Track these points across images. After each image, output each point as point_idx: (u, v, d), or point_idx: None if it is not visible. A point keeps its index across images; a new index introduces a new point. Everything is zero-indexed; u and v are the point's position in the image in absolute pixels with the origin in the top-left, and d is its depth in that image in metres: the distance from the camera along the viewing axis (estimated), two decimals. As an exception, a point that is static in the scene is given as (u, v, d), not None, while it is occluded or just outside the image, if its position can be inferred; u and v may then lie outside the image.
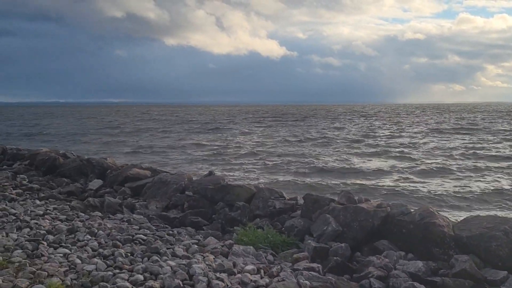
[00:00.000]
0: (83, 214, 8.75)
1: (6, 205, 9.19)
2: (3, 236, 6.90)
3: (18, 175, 13.21)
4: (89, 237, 6.93)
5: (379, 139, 34.22)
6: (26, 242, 6.44)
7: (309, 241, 7.07)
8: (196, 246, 6.68)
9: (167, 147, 30.95)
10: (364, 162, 22.64)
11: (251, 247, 6.86)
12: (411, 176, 18.41)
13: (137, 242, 6.70)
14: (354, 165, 21.45)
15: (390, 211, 7.23)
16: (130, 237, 6.82)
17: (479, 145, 28.97)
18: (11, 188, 10.37)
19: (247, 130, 46.41)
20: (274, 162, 22.55)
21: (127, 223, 8.08)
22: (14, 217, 7.93)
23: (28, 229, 7.32)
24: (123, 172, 12.17)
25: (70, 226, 7.41)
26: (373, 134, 39.65)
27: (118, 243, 6.54)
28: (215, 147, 29.80)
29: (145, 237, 6.85)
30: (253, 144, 31.51)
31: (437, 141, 32.66)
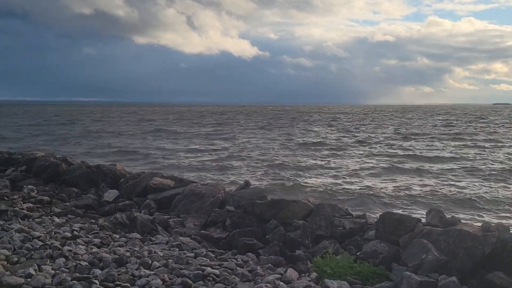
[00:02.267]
0: (117, 236, 7.39)
1: (19, 223, 7.72)
2: (36, 270, 5.51)
3: (16, 184, 11.63)
4: (145, 271, 5.60)
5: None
6: (73, 281, 5.08)
7: (407, 272, 5.94)
8: (283, 284, 5.46)
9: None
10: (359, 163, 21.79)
11: (345, 282, 5.70)
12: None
13: (210, 279, 5.42)
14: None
15: (500, 235, 6.19)
16: (200, 272, 5.52)
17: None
18: (21, 202, 8.83)
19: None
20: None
21: (177, 249, 6.76)
22: (40, 242, 6.50)
23: (63, 259, 5.94)
24: (142, 181, 10.76)
25: (117, 256, 6.05)
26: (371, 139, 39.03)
27: (189, 281, 5.25)
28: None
29: (217, 272, 5.57)
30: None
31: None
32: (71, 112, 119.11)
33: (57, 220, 8.13)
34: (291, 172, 19.56)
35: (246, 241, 7.57)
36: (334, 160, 23.32)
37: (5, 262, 5.81)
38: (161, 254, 6.30)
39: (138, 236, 7.42)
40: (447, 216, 7.16)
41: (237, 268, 5.90)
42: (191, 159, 24.01)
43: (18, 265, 5.81)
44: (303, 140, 34.26)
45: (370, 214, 9.63)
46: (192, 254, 6.52)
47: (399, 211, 11.16)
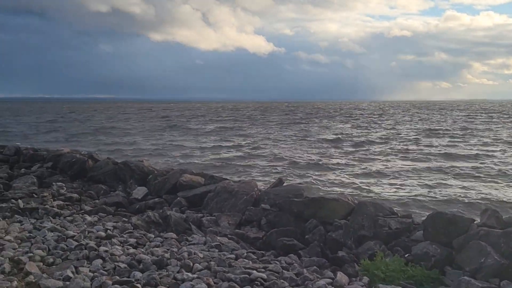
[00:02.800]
0: (152, 236, 7.11)
1: (51, 221, 7.50)
2: (73, 272, 5.24)
3: (43, 180, 11.48)
4: (188, 274, 5.30)
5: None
6: (114, 285, 4.80)
7: (465, 277, 5.52)
8: (335, 288, 5.10)
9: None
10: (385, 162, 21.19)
11: None
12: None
13: (257, 283, 5.08)
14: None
15: None
16: (246, 275, 5.19)
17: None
18: (51, 200, 8.62)
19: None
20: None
21: (217, 250, 6.45)
22: (74, 242, 6.24)
23: (100, 260, 5.67)
24: (171, 178, 10.48)
25: (156, 257, 5.76)
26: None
27: (236, 286, 4.92)
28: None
29: (265, 276, 5.23)
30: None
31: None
32: (86, 108, 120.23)
33: (88, 218, 7.89)
34: (315, 170, 19.12)
35: (286, 242, 7.23)
36: (358, 157, 22.77)
37: (41, 264, 5.57)
38: (201, 255, 5.99)
39: (174, 236, 7.13)
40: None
41: (284, 271, 5.56)
42: (211, 156, 23.70)
43: (54, 266, 5.56)
44: (324, 137, 33.63)
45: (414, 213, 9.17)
46: (233, 256, 6.20)
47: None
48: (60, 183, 10.14)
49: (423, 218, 7.42)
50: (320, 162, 21.04)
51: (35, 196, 9.22)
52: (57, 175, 12.24)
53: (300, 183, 15.22)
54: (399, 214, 7.53)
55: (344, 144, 28.90)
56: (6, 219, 7.57)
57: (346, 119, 62.40)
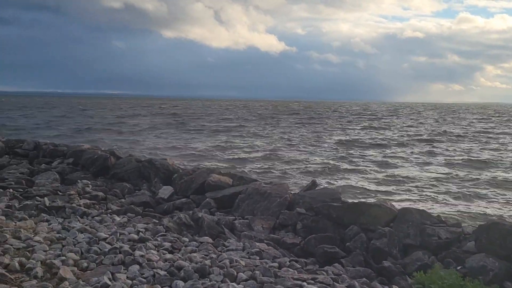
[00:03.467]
0: (186, 240, 6.74)
1: (79, 221, 7.17)
2: (110, 279, 4.88)
3: (64, 177, 11.18)
4: (233, 284, 4.91)
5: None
6: (158, 295, 4.43)
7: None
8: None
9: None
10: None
11: (464, 305, 4.89)
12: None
13: (310, 296, 4.68)
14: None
15: None
16: (298, 288, 4.79)
17: None
18: (78, 198, 8.29)
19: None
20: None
21: (258, 257, 6.06)
22: (108, 245, 5.89)
23: (137, 266, 5.31)
24: (198, 177, 10.11)
25: (196, 265, 5.39)
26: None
27: (289, 299, 4.53)
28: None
29: (317, 289, 4.83)
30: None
31: None
32: (98, 104, 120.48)
33: (117, 219, 7.55)
34: (334, 174, 18.53)
35: (327, 249, 6.82)
36: (379, 161, 22.17)
37: (75, 268, 5.22)
38: (243, 263, 5.60)
39: (210, 240, 6.75)
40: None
41: (335, 283, 5.16)
42: (226, 156, 23.29)
43: (89, 272, 5.21)
44: (340, 138, 33.00)
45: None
46: (276, 264, 5.81)
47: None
48: (85, 180, 9.80)
49: (472, 228, 6.98)
50: (339, 166, 20.42)
51: (60, 193, 8.91)
52: (79, 171, 11.93)
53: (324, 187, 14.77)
54: (447, 223, 7.09)
55: (362, 147, 28.29)
56: (33, 218, 7.26)
57: (361, 120, 61.62)
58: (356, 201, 8.03)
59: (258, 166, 20.23)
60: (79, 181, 9.79)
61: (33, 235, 6.16)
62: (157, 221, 7.63)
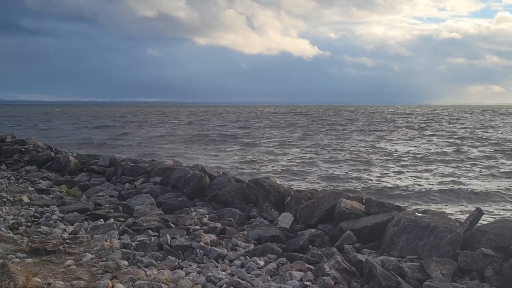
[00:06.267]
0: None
1: (216, 267, 5.66)
2: None
3: (157, 200, 9.81)
4: None
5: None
6: None
7: None
8: None
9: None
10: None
11: None
12: None
13: None
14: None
15: None
16: None
17: None
18: (203, 234, 6.78)
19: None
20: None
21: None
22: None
23: None
24: (321, 202, 8.49)
25: None
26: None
27: None
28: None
29: None
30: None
31: None
32: (137, 112, 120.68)
33: (261, 263, 6.00)
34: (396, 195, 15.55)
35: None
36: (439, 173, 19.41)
37: None
38: None
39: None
40: None
41: None
42: (276, 166, 21.11)
43: None
44: (397, 149, 28.74)
45: None
46: None
47: None
48: (202, 209, 8.33)
49: None
50: (401, 183, 16.84)
51: (172, 225, 7.47)
52: (170, 192, 10.58)
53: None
54: None
55: (423, 160, 23.47)
56: (160, 262, 5.81)
57: (407, 124, 57.93)
58: None
59: (372, 185, 16.98)
60: (191, 209, 8.33)
61: (175, 290, 4.69)
62: (309, 265, 6.03)
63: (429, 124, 60.68)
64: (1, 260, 5.13)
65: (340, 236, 7.59)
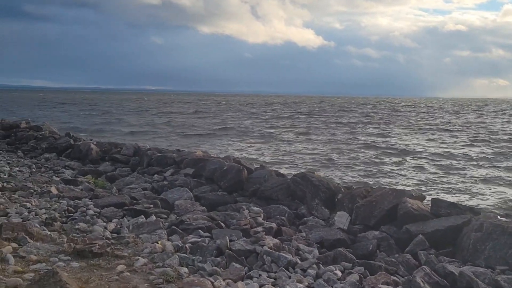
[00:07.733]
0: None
1: (289, 277, 4.88)
2: None
3: (194, 194, 9.04)
4: None
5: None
6: None
7: None
8: None
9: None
10: None
11: None
12: None
13: None
14: None
15: None
16: None
17: None
18: (265, 237, 5.97)
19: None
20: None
21: None
22: None
23: None
24: (381, 202, 7.68)
25: None
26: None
27: None
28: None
29: None
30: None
31: None
32: (142, 100, 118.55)
33: (338, 273, 5.22)
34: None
35: None
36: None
37: None
38: None
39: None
40: None
41: None
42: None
43: None
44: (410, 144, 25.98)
45: None
46: None
47: None
48: (257, 208, 7.53)
49: None
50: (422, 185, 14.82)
51: (223, 225, 6.70)
52: (204, 185, 9.81)
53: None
54: None
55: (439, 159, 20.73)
56: (224, 270, 5.03)
57: (415, 119, 54.26)
58: None
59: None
60: (243, 207, 7.55)
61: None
62: (393, 276, 5.26)
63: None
64: (50, 267, 4.37)
65: (408, 240, 6.82)
